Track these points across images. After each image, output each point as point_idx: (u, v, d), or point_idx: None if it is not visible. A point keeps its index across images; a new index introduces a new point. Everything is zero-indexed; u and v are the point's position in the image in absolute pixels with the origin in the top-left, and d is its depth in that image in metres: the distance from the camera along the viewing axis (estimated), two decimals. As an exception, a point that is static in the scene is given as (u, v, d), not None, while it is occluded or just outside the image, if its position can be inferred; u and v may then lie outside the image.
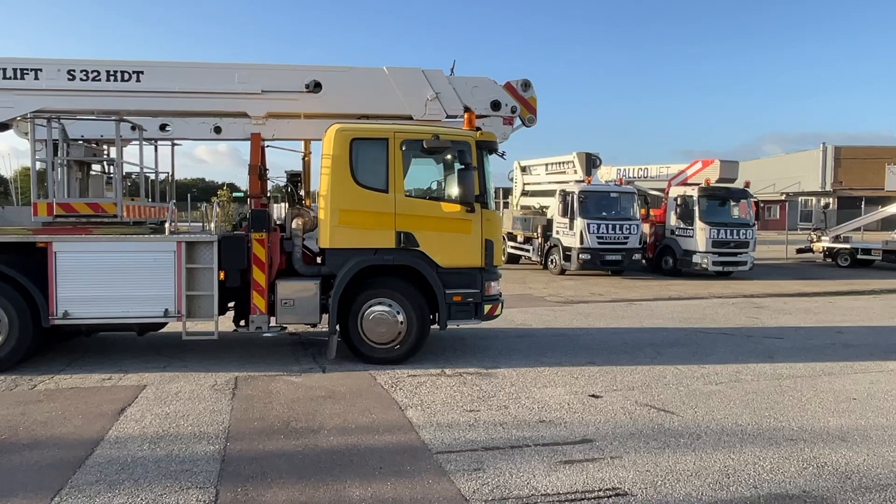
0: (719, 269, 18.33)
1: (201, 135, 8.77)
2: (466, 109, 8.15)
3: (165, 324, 7.80)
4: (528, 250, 21.02)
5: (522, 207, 23.17)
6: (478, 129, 7.90)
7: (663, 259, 19.52)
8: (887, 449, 5.14)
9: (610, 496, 4.25)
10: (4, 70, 7.62)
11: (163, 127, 8.72)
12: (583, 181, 19.22)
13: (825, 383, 7.15)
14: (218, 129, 8.56)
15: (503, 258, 14.05)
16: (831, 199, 48.51)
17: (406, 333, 7.69)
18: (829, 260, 22.96)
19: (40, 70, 7.70)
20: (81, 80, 7.76)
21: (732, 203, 19.28)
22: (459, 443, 5.23)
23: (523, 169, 23.54)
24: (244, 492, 4.30)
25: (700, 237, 18.29)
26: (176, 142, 9.07)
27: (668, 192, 19.97)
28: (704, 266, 18.17)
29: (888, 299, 14.82)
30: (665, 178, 20.81)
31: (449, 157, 7.93)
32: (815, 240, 23.68)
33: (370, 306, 7.67)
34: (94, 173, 9.05)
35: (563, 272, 18.82)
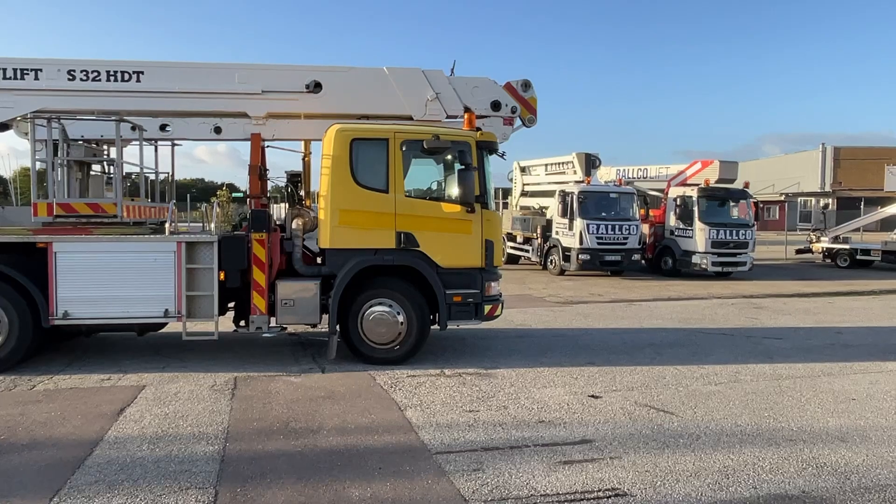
0: (718, 269, 18.32)
1: (201, 135, 8.78)
2: (467, 110, 8.16)
3: (165, 324, 7.80)
4: (527, 251, 21.02)
5: (522, 208, 23.18)
6: (478, 129, 7.90)
7: (663, 259, 19.52)
8: (887, 449, 5.15)
9: (609, 496, 4.25)
10: (4, 70, 7.62)
11: (163, 127, 8.73)
12: (582, 181, 19.24)
13: (824, 384, 7.16)
14: (218, 130, 8.58)
15: (503, 258, 14.05)
16: (830, 200, 48.49)
17: (406, 334, 7.70)
18: (828, 260, 22.95)
19: (40, 70, 7.70)
20: (81, 80, 7.76)
21: (732, 203, 19.28)
22: (459, 443, 5.23)
23: (523, 169, 23.55)
24: (243, 492, 4.30)
25: (699, 237, 18.29)
26: (176, 142, 9.09)
27: (667, 193, 19.96)
28: (704, 266, 18.17)
29: (887, 300, 14.82)
30: (664, 179, 20.79)
31: (449, 157, 7.93)
32: (814, 240, 23.65)
33: (370, 306, 7.67)
34: (94, 173, 9.05)
35: (562, 272, 18.82)
